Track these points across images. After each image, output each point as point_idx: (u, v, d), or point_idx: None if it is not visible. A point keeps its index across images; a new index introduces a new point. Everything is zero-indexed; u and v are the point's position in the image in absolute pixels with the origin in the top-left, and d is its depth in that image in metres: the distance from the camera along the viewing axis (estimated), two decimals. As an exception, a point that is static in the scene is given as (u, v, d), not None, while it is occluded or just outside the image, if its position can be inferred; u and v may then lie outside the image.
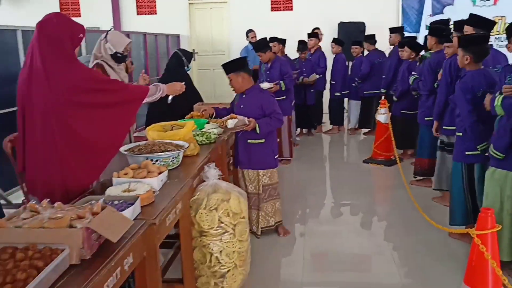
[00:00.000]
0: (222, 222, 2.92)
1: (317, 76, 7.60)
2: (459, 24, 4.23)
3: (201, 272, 2.96)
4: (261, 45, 6.09)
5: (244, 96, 3.94)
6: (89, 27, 8.15)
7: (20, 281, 1.48)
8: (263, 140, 3.88)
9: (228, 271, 2.95)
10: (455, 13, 9.78)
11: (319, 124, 8.33)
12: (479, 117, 3.41)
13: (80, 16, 10.63)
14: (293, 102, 6.50)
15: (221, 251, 2.93)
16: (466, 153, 3.53)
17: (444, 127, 4.22)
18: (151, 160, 2.79)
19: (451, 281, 3.16)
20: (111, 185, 2.50)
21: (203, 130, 3.80)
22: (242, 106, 3.93)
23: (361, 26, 9.86)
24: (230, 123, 3.69)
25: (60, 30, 2.43)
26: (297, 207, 4.78)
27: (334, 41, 8.08)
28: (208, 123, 4.03)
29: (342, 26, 9.98)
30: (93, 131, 2.51)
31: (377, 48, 7.79)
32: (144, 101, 2.83)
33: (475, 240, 2.27)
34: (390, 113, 6.10)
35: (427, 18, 9.59)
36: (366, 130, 8.11)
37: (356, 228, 4.33)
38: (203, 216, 2.88)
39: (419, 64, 5.53)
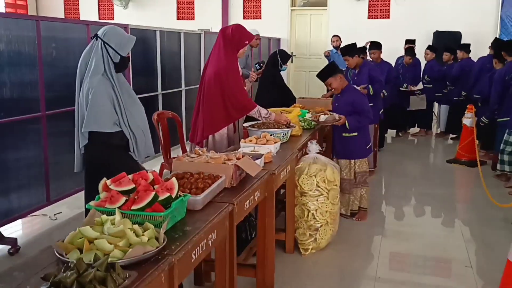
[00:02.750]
0: (319, 187, 3.69)
1: (422, 86, 8.16)
2: None
3: (299, 225, 3.75)
4: (349, 49, 5.91)
5: (339, 95, 4.52)
6: (200, 29, 9.30)
7: (200, 188, 2.36)
8: (355, 134, 4.37)
9: (321, 226, 3.71)
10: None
11: (412, 127, 8.82)
12: None
13: (194, 19, 11.98)
14: (381, 110, 6.40)
15: (316, 210, 3.70)
16: None
17: None
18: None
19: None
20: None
21: (305, 117, 4.61)
22: (337, 104, 4.53)
23: (457, 35, 10.09)
24: (322, 118, 4.32)
25: (232, 34, 3.48)
26: (381, 192, 5.41)
27: (429, 48, 8.51)
28: (308, 112, 4.85)
29: (438, 35, 10.28)
30: (212, 105, 3.55)
31: (470, 58, 8.10)
32: (252, 114, 3.71)
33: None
34: (476, 118, 6.48)
35: (527, 29, 9.63)
36: (453, 135, 8.42)
37: (431, 211, 4.91)
38: (305, 180, 3.68)
39: None
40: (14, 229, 4.20)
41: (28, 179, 4.18)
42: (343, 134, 4.41)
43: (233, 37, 3.49)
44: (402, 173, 6.42)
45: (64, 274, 1.47)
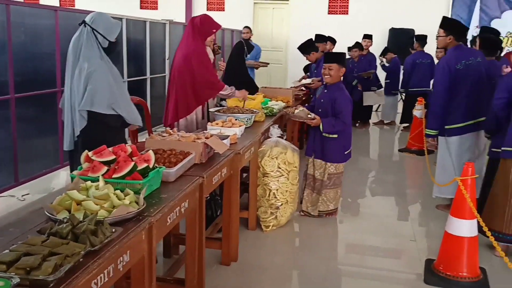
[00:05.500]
0: (280, 168, 3.98)
1: (373, 71, 8.57)
2: None
3: (261, 204, 4.03)
4: (304, 47, 6.09)
5: (326, 91, 4.24)
6: (164, 19, 9.40)
7: (173, 163, 2.59)
8: (336, 136, 4.12)
9: (281, 204, 4.01)
10: (504, 26, 10.45)
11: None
12: None
13: (157, 9, 12.04)
14: None
15: (277, 189, 3.98)
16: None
17: None
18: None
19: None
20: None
21: (267, 105, 4.89)
22: (322, 100, 4.23)
23: (410, 33, 10.61)
24: (296, 112, 4.13)
25: (200, 23, 3.74)
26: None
27: (365, 36, 8.85)
28: (271, 101, 5.13)
29: (393, 31, 10.81)
30: (182, 88, 3.80)
31: (423, 50, 8.55)
32: (219, 95, 4.05)
33: (460, 185, 3.20)
34: (426, 110, 6.95)
35: (474, 30, 10.26)
36: (404, 124, 8.93)
37: (383, 195, 5.31)
38: (267, 162, 3.95)
39: None
40: (-18, 209, 4.28)
41: (-3, 160, 4.26)
42: (323, 134, 4.15)
43: (201, 26, 3.77)
44: (357, 161, 6.82)
45: (60, 226, 1.68)
